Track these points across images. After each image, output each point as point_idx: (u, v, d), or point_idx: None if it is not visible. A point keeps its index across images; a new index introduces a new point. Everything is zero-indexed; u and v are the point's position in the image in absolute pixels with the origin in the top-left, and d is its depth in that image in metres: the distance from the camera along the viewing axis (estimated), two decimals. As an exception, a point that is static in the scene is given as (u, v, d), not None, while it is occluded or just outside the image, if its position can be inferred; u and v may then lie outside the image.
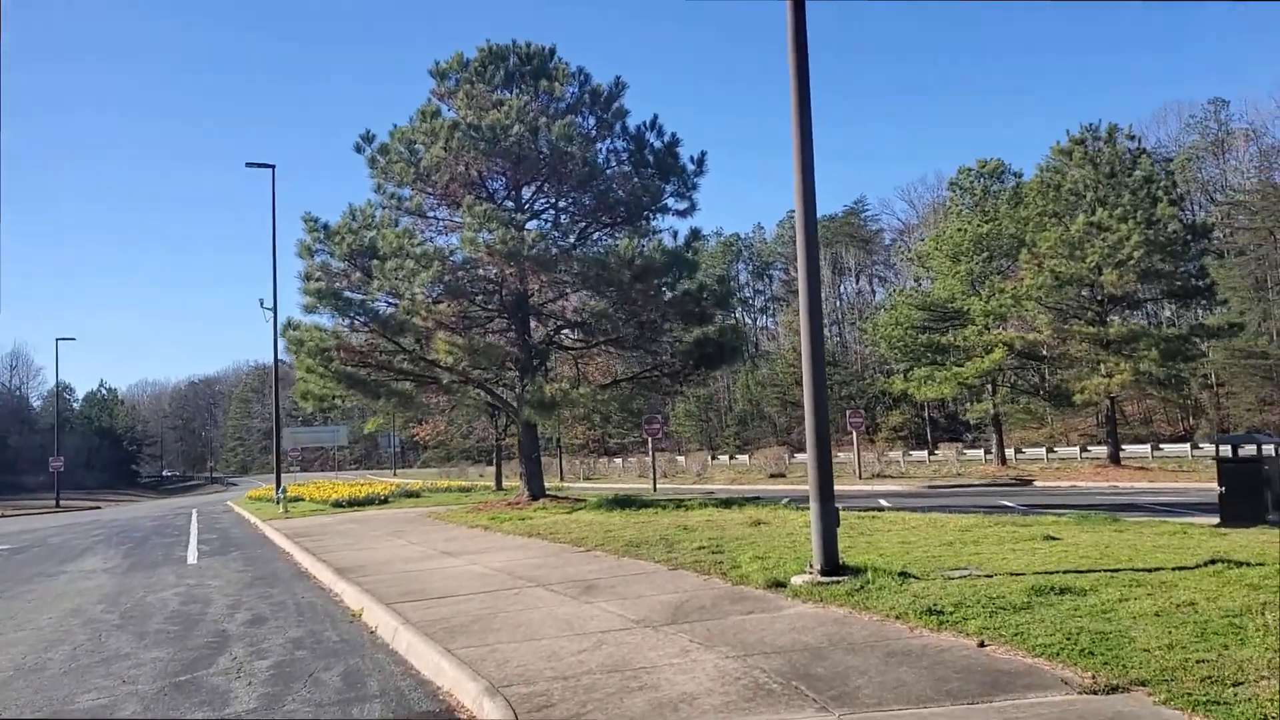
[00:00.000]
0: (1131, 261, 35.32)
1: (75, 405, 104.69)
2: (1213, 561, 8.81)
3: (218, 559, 16.89)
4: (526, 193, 22.72)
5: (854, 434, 40.44)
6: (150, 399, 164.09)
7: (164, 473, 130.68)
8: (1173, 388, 40.36)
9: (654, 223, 22.35)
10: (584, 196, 21.94)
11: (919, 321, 42.09)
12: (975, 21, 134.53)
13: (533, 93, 21.78)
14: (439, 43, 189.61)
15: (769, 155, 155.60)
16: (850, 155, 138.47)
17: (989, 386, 42.10)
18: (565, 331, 24.01)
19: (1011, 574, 8.67)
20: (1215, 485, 14.77)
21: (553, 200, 22.77)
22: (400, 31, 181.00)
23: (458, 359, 20.18)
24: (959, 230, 41.45)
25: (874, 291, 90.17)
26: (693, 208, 22.79)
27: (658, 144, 22.63)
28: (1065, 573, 8.58)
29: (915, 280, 58.83)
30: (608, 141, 22.96)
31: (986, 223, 40.84)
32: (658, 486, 37.28)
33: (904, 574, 8.75)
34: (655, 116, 22.85)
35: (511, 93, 21.63)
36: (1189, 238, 38.51)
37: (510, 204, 22.23)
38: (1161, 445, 48.32)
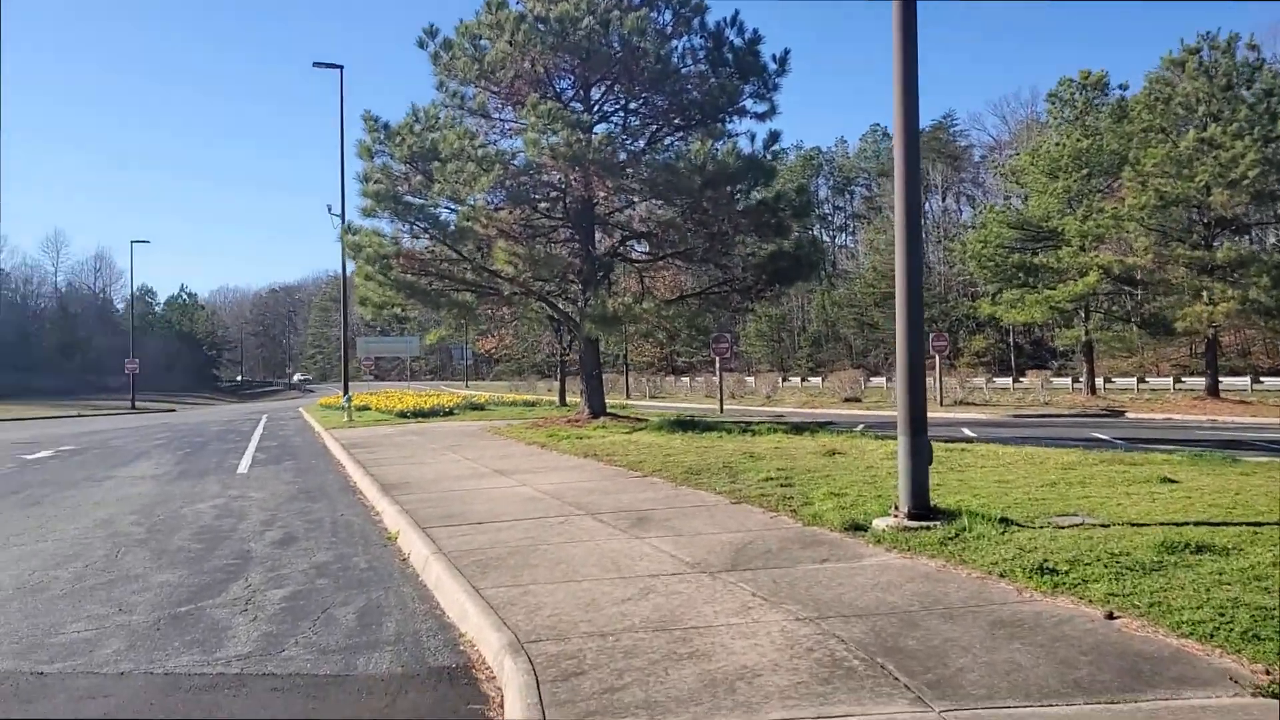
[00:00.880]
0: (1246, 182, 32.76)
1: (157, 309, 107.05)
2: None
3: (269, 468, 16.41)
4: (596, 94, 21.35)
5: (936, 358, 38.74)
6: (233, 305, 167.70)
7: (239, 378, 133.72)
8: (1281, 317, 37.71)
9: (730, 126, 20.90)
10: (656, 97, 20.52)
11: (1010, 241, 39.89)
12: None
13: (606, -16, 20.23)
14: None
15: (852, 69, 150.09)
16: (940, 67, 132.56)
17: (1081, 312, 39.90)
18: (631, 243, 22.78)
19: (1132, 524, 7.46)
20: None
21: (623, 102, 21.36)
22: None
23: (519, 269, 19.21)
24: (1057, 145, 38.89)
25: (961, 210, 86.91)
26: (773, 110, 21.23)
27: (738, 41, 21.01)
28: (1196, 525, 7.34)
29: (1005, 198, 56.10)
30: (684, 39, 21.40)
31: (1087, 137, 38.19)
32: (725, 408, 36.25)
33: (1005, 520, 7.60)
34: (736, 12, 21.28)
35: (583, -17, 20.09)
36: (1310, 157, 35.47)
37: (578, 105, 20.90)
38: (1262, 378, 45.60)
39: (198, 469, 16.62)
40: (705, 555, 7.01)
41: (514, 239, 19.35)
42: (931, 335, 39.13)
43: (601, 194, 20.00)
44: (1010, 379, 54.57)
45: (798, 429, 18.75)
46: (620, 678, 4.41)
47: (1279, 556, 6.16)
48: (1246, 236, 45.46)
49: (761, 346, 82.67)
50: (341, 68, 31.59)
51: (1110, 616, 5.14)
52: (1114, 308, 42.55)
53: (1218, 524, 7.39)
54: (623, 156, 19.31)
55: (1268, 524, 7.32)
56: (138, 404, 57.57)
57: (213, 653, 5.49)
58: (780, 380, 59.77)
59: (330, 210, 33.70)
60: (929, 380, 50.28)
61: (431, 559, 7.20)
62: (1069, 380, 48.08)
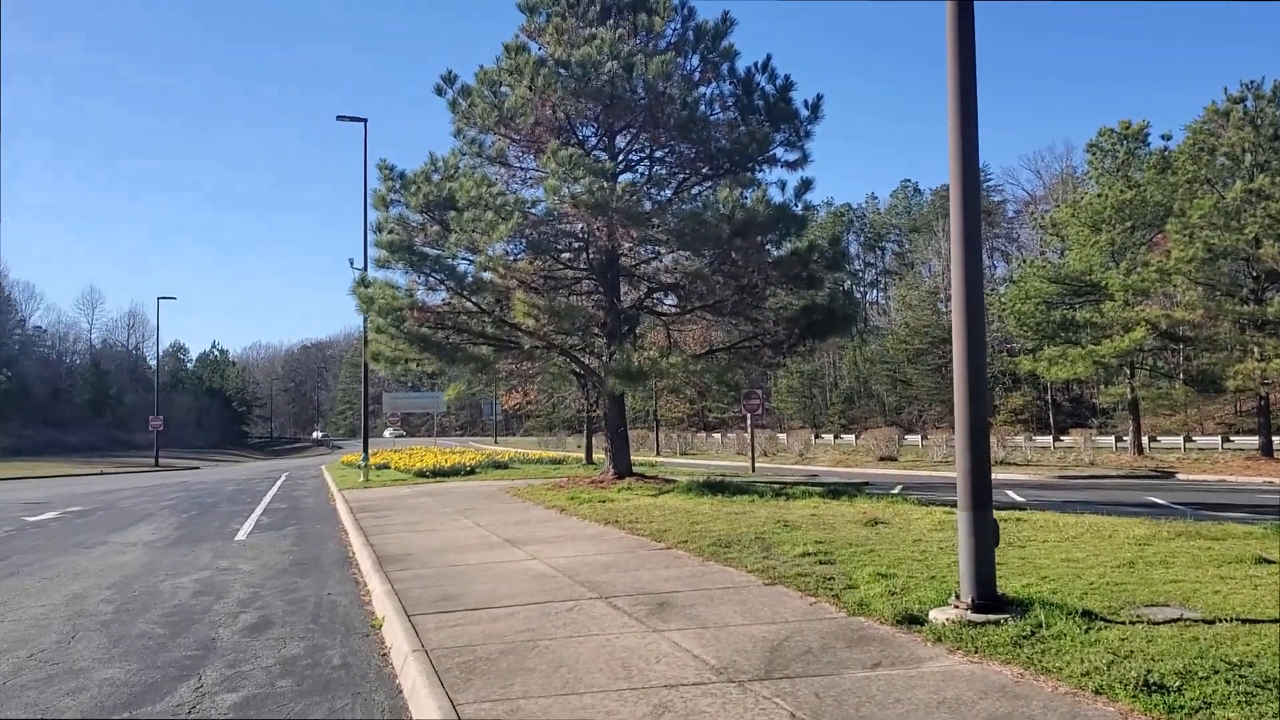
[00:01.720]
0: (1296, 233, 31.43)
1: (189, 366, 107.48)
2: None
3: (270, 534, 15.45)
4: (621, 142, 20.59)
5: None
6: (265, 361, 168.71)
7: (273, 434, 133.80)
8: (1338, 375, 36.01)
9: (760, 175, 19.98)
10: (683, 145, 19.69)
11: (1051, 295, 38.59)
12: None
13: (630, 28, 19.55)
14: None
15: (884, 119, 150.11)
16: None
17: (1126, 369, 38.43)
18: (658, 295, 21.82)
19: (1241, 620, 6.27)
20: None
21: (648, 150, 20.55)
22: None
23: (539, 322, 18.29)
24: (1099, 196, 37.73)
25: (994, 266, 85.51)
26: (805, 158, 20.32)
27: (769, 88, 20.18)
28: (1321, 622, 6.15)
29: (1041, 253, 54.84)
30: (712, 86, 20.64)
31: (1130, 189, 37.04)
32: (756, 466, 35.03)
33: (1086, 613, 6.45)
34: (769, 57, 20.42)
35: (606, 28, 19.41)
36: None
37: (603, 154, 20.15)
38: (1316, 438, 43.57)
39: (196, 534, 15.69)
40: (734, 656, 5.91)
41: (534, 290, 18.47)
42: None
43: (626, 244, 19.13)
44: (1050, 437, 52.85)
45: (834, 492, 17.54)
46: None
47: None
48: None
49: (793, 403, 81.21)
50: (365, 121, 31.20)
51: (1254, 760, 3.99)
52: (1159, 364, 41.04)
53: (1345, 620, 6.19)
54: (648, 206, 18.46)
55: None
56: (162, 461, 57.17)
57: (124, 787, 4.46)
58: (813, 437, 58.32)
59: (352, 264, 33.12)
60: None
61: (411, 658, 6.14)
62: (1112, 439, 46.34)
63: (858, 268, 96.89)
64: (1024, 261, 45.27)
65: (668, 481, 20.51)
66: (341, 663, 6.72)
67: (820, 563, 9.09)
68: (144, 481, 37.93)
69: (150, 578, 10.93)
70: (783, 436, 57.03)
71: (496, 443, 78.47)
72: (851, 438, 58.66)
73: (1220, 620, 6.28)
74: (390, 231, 18.55)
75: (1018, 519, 12.56)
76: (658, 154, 20.60)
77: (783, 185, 19.70)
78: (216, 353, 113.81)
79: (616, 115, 19.00)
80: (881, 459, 42.01)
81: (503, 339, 20.24)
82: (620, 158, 20.48)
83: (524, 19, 20.44)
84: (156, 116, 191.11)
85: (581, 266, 20.70)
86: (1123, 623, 6.29)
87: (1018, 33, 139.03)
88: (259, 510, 20.14)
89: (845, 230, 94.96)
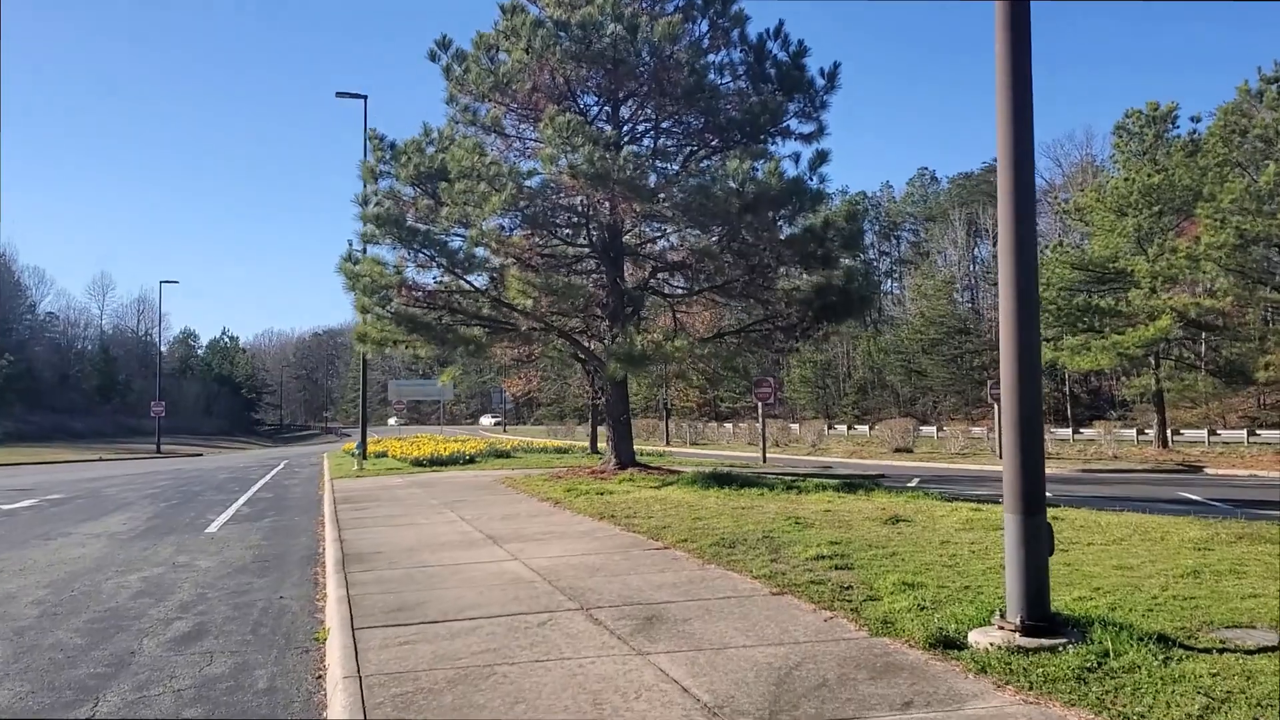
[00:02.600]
0: (1332, 218, 30.07)
1: (199, 352, 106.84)
2: None
3: (244, 526, 14.45)
4: (625, 112, 19.42)
5: (995, 407, 36.06)
6: (276, 349, 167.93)
7: (283, 421, 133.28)
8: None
9: (773, 148, 18.75)
10: (690, 115, 18.51)
11: (1073, 283, 37.20)
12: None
13: (635, -11, 18.35)
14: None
15: (899, 107, 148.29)
16: (987, 110, 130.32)
17: (1151, 359, 37.07)
18: (663, 275, 20.63)
19: (1352, 649, 5.14)
20: None
21: (654, 120, 19.36)
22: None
23: (536, 301, 17.19)
24: (1126, 180, 36.29)
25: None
26: (820, 131, 19.11)
27: (781, 55, 18.99)
28: None
29: (1060, 241, 53.34)
30: (722, 53, 19.44)
31: (1158, 173, 35.61)
32: (768, 456, 33.86)
33: (1160, 637, 5.33)
34: (781, 23, 19.29)
35: (609, -12, 18.19)
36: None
37: (606, 125, 18.98)
38: (1347, 432, 42.19)
39: (168, 525, 14.70)
40: (732, 690, 4.81)
41: (530, 268, 17.36)
42: (989, 383, 36.59)
43: (629, 220, 17.98)
44: (1069, 430, 51.53)
45: (849, 486, 16.37)
46: None
47: None
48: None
49: (806, 393, 79.80)
50: (365, 98, 30.17)
51: None
52: (1185, 354, 39.66)
53: None
54: (653, 179, 17.31)
55: None
56: (167, 448, 56.40)
57: None
58: (826, 428, 57.04)
59: (350, 245, 32.08)
60: (981, 430, 47.58)
61: (341, 687, 5.07)
62: (1133, 432, 44.94)
63: (872, 257, 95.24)
64: (1051, 246, 43.71)
65: (672, 472, 19.40)
66: (268, 686, 5.67)
67: (836, 567, 7.98)
68: (138, 468, 37.03)
69: (96, 575, 9.94)
70: (795, 427, 55.79)
71: (505, 431, 77.35)
72: (865, 429, 57.39)
73: (1326, 649, 5.15)
74: (378, 205, 17.46)
75: (1053, 517, 11.38)
76: (664, 124, 19.40)
77: (796, 158, 18.54)
78: (227, 339, 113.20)
79: (620, 81, 17.81)
80: (896, 450, 40.80)
81: (498, 320, 19.11)
82: (625, 128, 19.30)
83: (524, -19, 19.26)
84: (168, 102, 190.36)
85: (582, 243, 19.55)
86: (1206, 650, 5.18)
87: (1038, 19, 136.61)
88: (242, 500, 19.13)
89: (860, 219, 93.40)
